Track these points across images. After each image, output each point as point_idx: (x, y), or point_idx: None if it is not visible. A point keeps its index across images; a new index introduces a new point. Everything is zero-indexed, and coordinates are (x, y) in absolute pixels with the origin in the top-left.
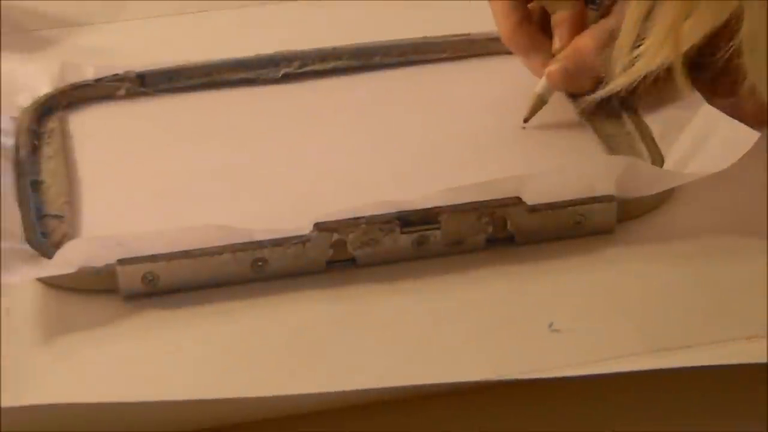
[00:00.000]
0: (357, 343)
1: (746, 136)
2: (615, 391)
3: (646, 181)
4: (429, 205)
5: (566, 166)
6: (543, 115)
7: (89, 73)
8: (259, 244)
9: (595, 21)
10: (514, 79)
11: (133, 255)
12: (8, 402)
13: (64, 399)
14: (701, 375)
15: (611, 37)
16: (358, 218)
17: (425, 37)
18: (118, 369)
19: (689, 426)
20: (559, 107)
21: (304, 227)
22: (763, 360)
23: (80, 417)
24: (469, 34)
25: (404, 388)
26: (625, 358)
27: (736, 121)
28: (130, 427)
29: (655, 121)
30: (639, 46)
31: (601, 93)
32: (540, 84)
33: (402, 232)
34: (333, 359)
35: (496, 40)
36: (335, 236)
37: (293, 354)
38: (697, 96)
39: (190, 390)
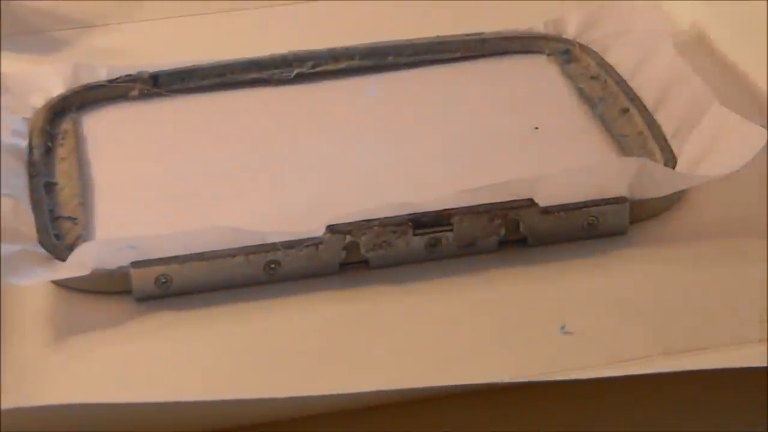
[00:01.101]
0: (369, 344)
1: (758, 135)
2: (616, 392)
3: (659, 183)
4: (441, 207)
5: (579, 167)
6: (555, 117)
7: (102, 74)
8: (272, 247)
9: None
10: (527, 78)
11: (146, 257)
12: (20, 402)
13: (76, 399)
14: (706, 376)
15: None
16: (370, 220)
17: (438, 37)
18: (131, 370)
19: (691, 427)
20: (571, 108)
21: (317, 229)
22: None
23: (93, 417)
24: (482, 33)
25: (416, 390)
26: (638, 360)
27: (746, 120)
28: (141, 428)
29: (667, 121)
30: None
31: None
32: None
33: (414, 234)
34: (345, 361)
35: (509, 39)
36: (348, 238)
37: (305, 356)
38: (708, 94)
39: (202, 391)
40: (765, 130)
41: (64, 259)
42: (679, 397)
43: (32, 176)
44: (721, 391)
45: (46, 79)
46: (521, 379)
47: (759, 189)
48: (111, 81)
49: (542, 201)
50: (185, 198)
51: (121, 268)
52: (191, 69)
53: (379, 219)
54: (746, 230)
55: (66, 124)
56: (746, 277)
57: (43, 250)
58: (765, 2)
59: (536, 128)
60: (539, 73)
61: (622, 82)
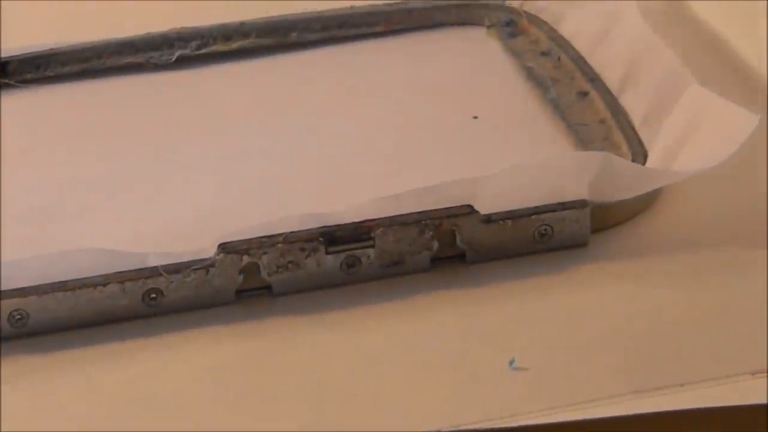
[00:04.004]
0: (274, 389)
1: (744, 121)
2: None
3: (626, 182)
4: (360, 218)
5: (528, 164)
6: (499, 103)
7: None
8: (153, 272)
9: None
10: (463, 56)
11: None
12: None
13: None
14: (687, 418)
15: None
16: (273, 236)
17: (353, 7)
18: None
19: None
20: (518, 92)
21: (207, 249)
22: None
23: None
24: (408, 2)
25: None
26: (605, 401)
27: (730, 103)
28: None
29: (636, 106)
30: None
31: None
32: None
33: (328, 252)
34: (245, 409)
35: (441, 8)
36: (245, 259)
37: (197, 404)
38: (683, 72)
39: None
40: (753, 114)
41: None
42: None
43: None
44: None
45: None
46: (462, 428)
47: (750, 186)
48: None
49: (483, 207)
50: (44, 213)
51: None
52: (48, 53)
53: (283, 234)
54: (734, 238)
55: None
56: (735, 296)
57: None
58: None
59: (475, 117)
60: (478, 50)
61: (579, 59)
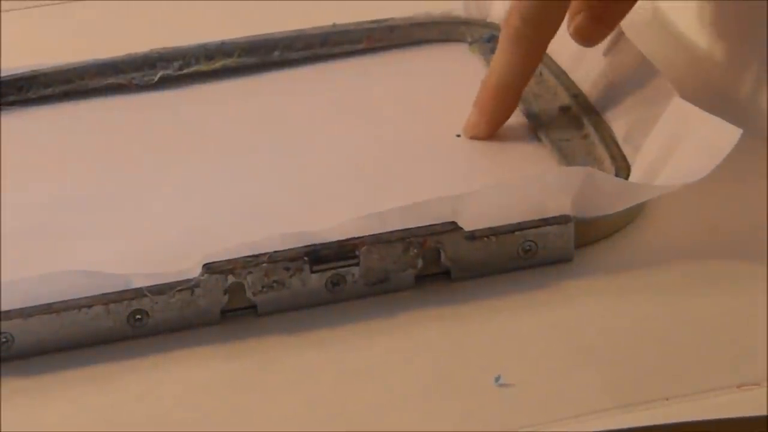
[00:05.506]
0: (260, 408)
1: (727, 134)
2: None
3: (610, 197)
4: (344, 236)
5: (511, 181)
6: None
7: None
8: (138, 293)
9: None
10: (445, 73)
11: None
12: None
13: None
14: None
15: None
16: (257, 255)
17: (335, 25)
18: None
19: None
20: None
21: (192, 269)
22: (762, 413)
23: None
24: (389, 20)
25: None
26: (591, 416)
27: (713, 117)
28: None
29: (618, 120)
30: None
31: None
32: None
33: (313, 271)
34: (232, 429)
35: (423, 25)
36: (230, 279)
37: (183, 425)
38: (666, 86)
39: None
40: (735, 127)
41: None
42: None
43: None
44: None
45: None
46: None
47: (734, 199)
48: None
49: (467, 224)
50: (27, 235)
51: None
52: (31, 75)
53: (267, 253)
54: (718, 252)
55: None
56: (719, 309)
57: None
58: None
59: (458, 135)
60: (460, 66)
61: (561, 74)
